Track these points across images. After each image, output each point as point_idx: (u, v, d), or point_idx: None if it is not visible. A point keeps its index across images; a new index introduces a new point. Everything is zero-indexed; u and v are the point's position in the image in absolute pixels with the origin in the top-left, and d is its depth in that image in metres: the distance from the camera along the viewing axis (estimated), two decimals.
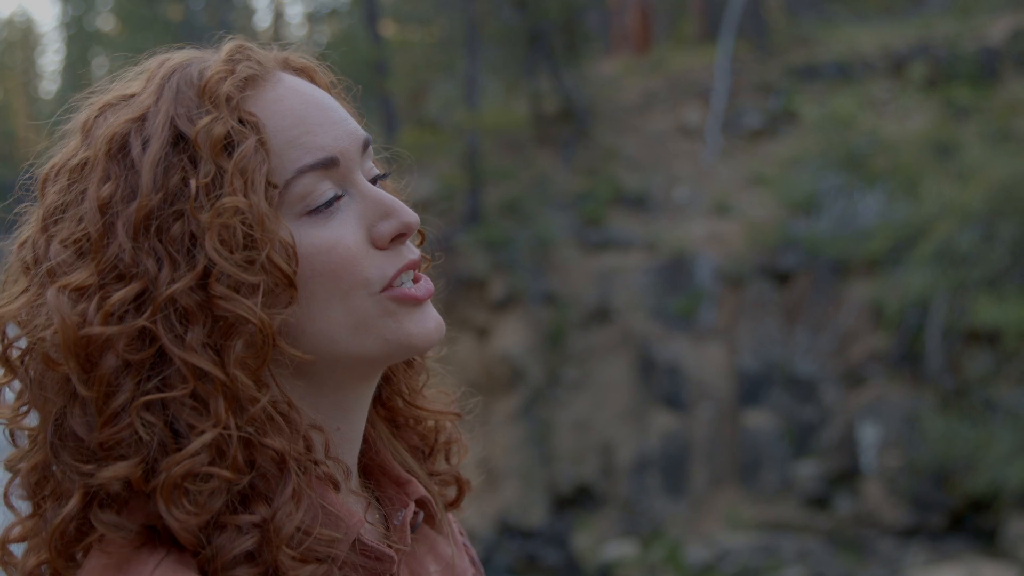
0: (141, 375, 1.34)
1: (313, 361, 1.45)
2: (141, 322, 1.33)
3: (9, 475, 1.51)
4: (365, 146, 1.52)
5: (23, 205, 1.54)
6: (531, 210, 18.79)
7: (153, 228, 1.36)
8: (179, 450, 1.33)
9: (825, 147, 18.37)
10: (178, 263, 1.35)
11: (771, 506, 15.77)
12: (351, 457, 1.57)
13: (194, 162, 1.38)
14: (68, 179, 1.44)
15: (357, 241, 1.45)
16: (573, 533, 16.42)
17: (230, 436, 1.34)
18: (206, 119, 1.39)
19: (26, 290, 1.43)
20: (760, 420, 16.27)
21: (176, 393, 1.33)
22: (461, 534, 1.85)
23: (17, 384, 1.46)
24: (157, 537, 1.36)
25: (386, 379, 1.70)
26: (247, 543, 1.34)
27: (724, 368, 16.79)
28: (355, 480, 1.58)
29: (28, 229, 1.48)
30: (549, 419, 17.12)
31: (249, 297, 1.36)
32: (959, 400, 14.87)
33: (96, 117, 1.48)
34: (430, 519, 1.67)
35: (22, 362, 1.42)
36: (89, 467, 1.34)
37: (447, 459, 1.79)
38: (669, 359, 16.85)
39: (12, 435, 1.48)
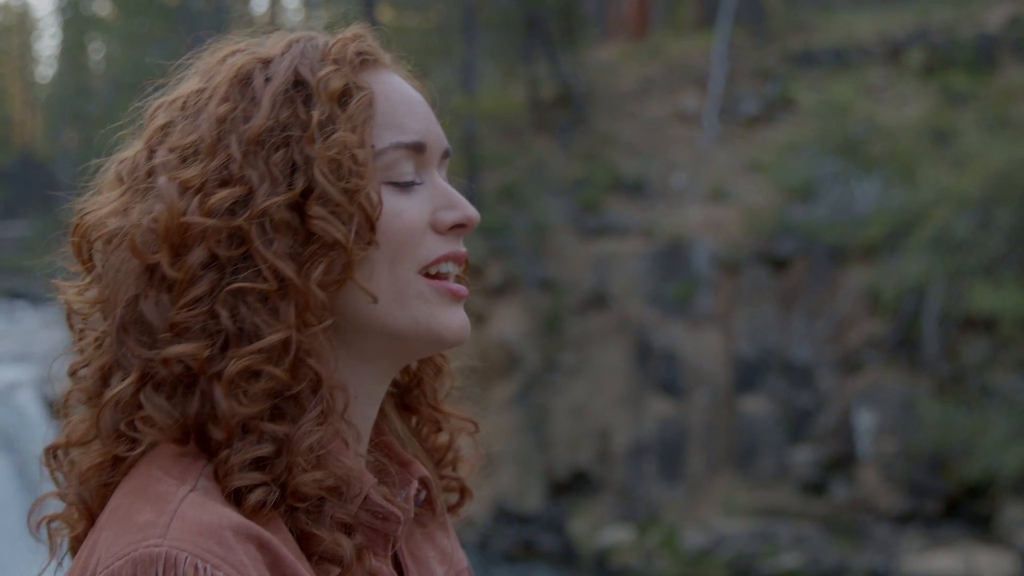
0: (225, 271, 1.45)
1: (376, 300, 1.53)
2: (238, 221, 1.45)
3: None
4: (445, 155, 1.66)
5: (98, 163, 1.64)
6: (528, 196, 18.78)
7: (264, 147, 1.48)
8: (238, 340, 1.43)
9: (822, 133, 18.36)
10: (278, 182, 1.47)
11: (767, 492, 15.80)
12: (365, 422, 1.62)
13: (307, 105, 1.52)
14: (183, 103, 1.57)
15: (422, 216, 1.56)
16: (569, 518, 16.45)
17: (290, 343, 1.44)
18: (328, 69, 1.53)
19: (123, 195, 1.54)
20: (756, 406, 16.30)
21: (258, 286, 1.44)
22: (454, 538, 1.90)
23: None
24: (186, 439, 1.44)
25: (416, 382, 1.80)
26: (264, 450, 1.41)
27: (720, 354, 16.81)
28: (365, 447, 1.63)
29: (131, 149, 1.60)
30: (546, 405, 17.14)
31: (345, 224, 1.47)
32: (955, 386, 14.89)
33: (221, 61, 1.60)
34: (429, 499, 1.73)
35: (103, 258, 1.52)
36: (153, 352, 1.44)
37: (454, 467, 1.87)
38: (666, 345, 16.87)
39: (80, 339, 1.57)
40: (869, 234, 16.23)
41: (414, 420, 1.83)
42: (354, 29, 1.64)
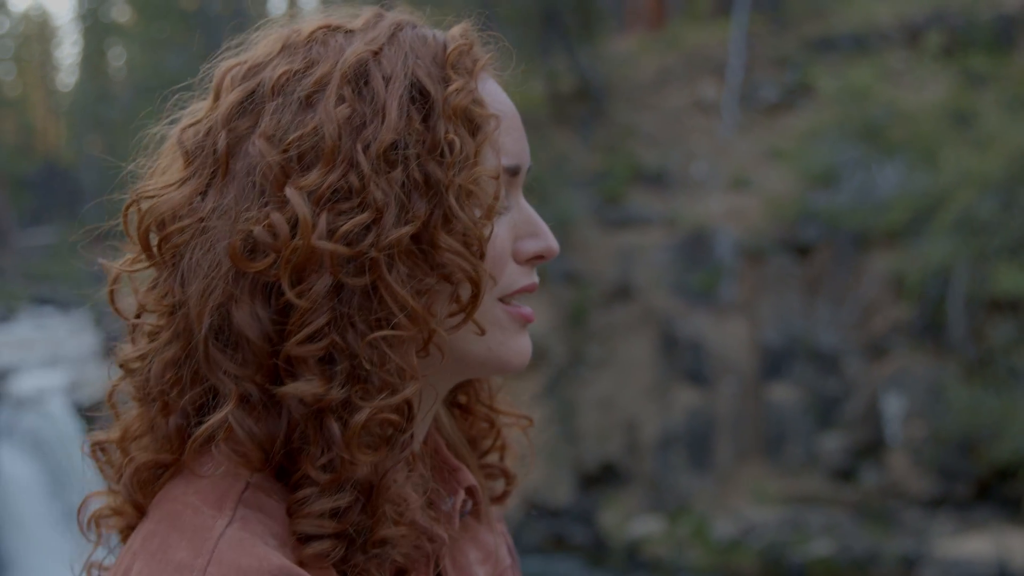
0: (349, 302, 1.33)
1: (479, 334, 1.47)
2: (368, 251, 1.33)
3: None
4: (528, 170, 1.55)
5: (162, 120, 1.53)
6: (550, 189, 18.79)
7: (394, 162, 1.36)
8: (366, 383, 1.33)
9: (842, 119, 18.30)
10: (404, 206, 1.36)
11: (796, 480, 15.79)
12: (418, 437, 1.56)
13: (427, 119, 1.40)
14: (273, 83, 1.41)
15: (506, 246, 1.48)
16: (599, 511, 16.47)
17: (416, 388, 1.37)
18: (457, 83, 1.42)
19: (189, 179, 1.41)
20: (784, 394, 16.28)
21: (392, 332, 1.34)
22: (499, 521, 1.88)
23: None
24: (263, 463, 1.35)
25: (468, 382, 1.75)
26: (346, 499, 1.33)
27: (746, 343, 16.80)
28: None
29: (198, 115, 1.47)
30: (573, 398, 17.16)
31: (476, 257, 1.39)
32: (983, 369, 14.84)
33: (318, 32, 1.47)
34: (475, 508, 1.68)
35: (175, 253, 1.39)
36: (245, 370, 1.34)
37: (502, 457, 1.83)
38: (691, 335, 16.87)
39: (132, 330, 1.47)
40: (892, 219, 16.18)
41: (467, 420, 1.77)
42: (462, 29, 1.55)
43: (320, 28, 1.48)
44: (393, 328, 1.34)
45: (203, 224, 1.37)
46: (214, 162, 1.40)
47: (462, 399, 1.76)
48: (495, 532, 1.79)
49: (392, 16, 1.51)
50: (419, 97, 1.40)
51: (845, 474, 15.51)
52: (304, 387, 1.30)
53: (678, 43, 23.67)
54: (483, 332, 1.45)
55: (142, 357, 1.43)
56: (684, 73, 22.44)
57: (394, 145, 1.36)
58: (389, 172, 1.35)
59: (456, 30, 1.54)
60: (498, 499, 1.82)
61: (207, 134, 1.42)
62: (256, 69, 1.45)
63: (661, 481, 16.33)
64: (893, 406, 15.19)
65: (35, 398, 14.13)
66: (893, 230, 16.21)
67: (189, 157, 1.42)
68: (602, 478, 16.79)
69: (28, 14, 50.72)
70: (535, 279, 1.54)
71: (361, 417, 1.31)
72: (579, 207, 18.58)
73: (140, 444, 1.44)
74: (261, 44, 1.50)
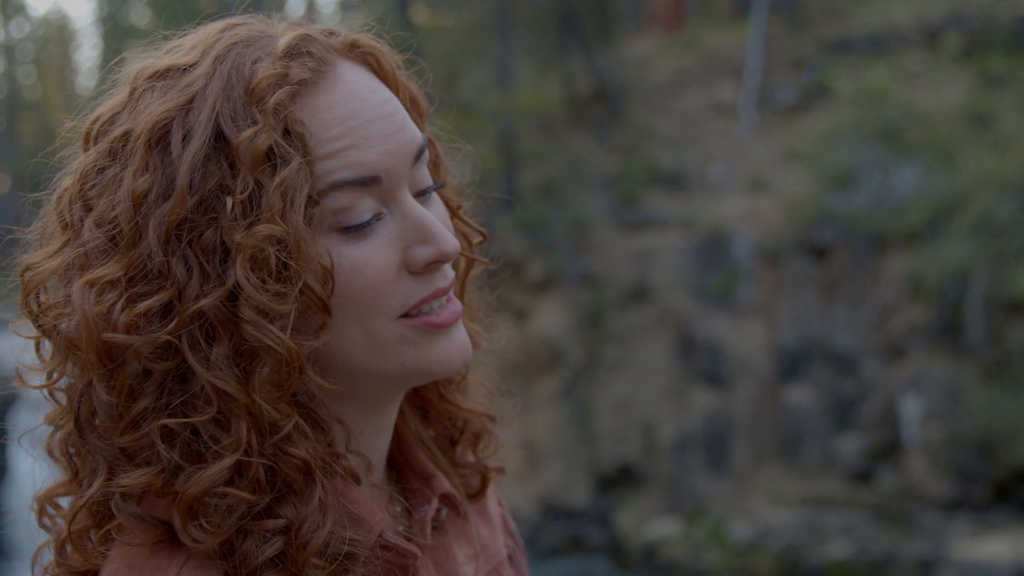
0: (164, 384, 1.30)
1: (340, 391, 1.40)
2: (165, 336, 1.28)
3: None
4: (418, 155, 1.44)
5: (64, 152, 1.50)
6: (567, 192, 18.80)
7: (186, 235, 1.29)
8: (200, 460, 1.30)
9: (860, 121, 18.26)
10: (208, 275, 1.29)
11: (814, 481, 15.76)
12: (376, 453, 1.54)
13: (233, 169, 1.31)
14: (109, 146, 1.37)
15: (388, 265, 1.38)
16: (616, 512, 16.47)
17: (249, 461, 1.30)
18: (250, 131, 1.30)
19: (61, 249, 1.38)
20: (801, 396, 16.26)
21: (198, 418, 1.29)
22: (501, 505, 1.84)
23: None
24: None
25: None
26: (271, 549, 1.31)
27: (764, 344, 16.78)
28: (379, 473, 1.57)
29: (68, 180, 1.42)
30: (590, 400, 17.16)
31: (277, 324, 1.29)
32: (1001, 371, 14.80)
33: (147, 80, 1.40)
34: (455, 511, 1.65)
35: (55, 326, 1.36)
36: (112, 452, 1.32)
37: (474, 451, 1.75)
38: (708, 337, 16.86)
39: (51, 393, 1.43)
40: (910, 220, 16.15)
41: (433, 421, 1.72)
42: (291, 37, 1.40)
43: (151, 75, 1.41)
44: (202, 412, 1.29)
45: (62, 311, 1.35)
46: (76, 234, 1.37)
47: (419, 390, 1.70)
48: (490, 523, 1.77)
49: (226, 39, 1.42)
50: (222, 146, 1.32)
51: (862, 476, 15.48)
52: (134, 479, 1.30)
53: (695, 45, 23.65)
54: (337, 391, 1.40)
55: (62, 416, 1.43)
56: (701, 75, 22.42)
57: (187, 217, 1.29)
58: (184, 242, 1.30)
59: (284, 42, 1.40)
60: (473, 496, 1.74)
61: (71, 204, 1.39)
62: (107, 125, 1.41)
63: (678, 483, 16.32)
64: (911, 408, 15.16)
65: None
66: (911, 232, 16.18)
67: (64, 226, 1.40)
68: (619, 480, 16.79)
69: (48, 17, 50.91)
70: (441, 282, 1.44)
71: (186, 494, 1.28)
72: (596, 209, 18.58)
73: (73, 507, 1.42)
74: (122, 84, 1.46)
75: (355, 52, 1.47)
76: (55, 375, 1.41)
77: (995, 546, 13.71)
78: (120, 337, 1.28)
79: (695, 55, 23.14)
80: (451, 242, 1.42)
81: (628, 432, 16.86)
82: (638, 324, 17.46)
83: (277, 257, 1.29)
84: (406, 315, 1.41)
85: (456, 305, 1.47)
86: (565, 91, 21.72)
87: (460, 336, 1.47)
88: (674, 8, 26.58)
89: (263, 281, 1.29)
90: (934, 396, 15.08)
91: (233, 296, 1.29)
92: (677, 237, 18.02)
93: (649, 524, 16.00)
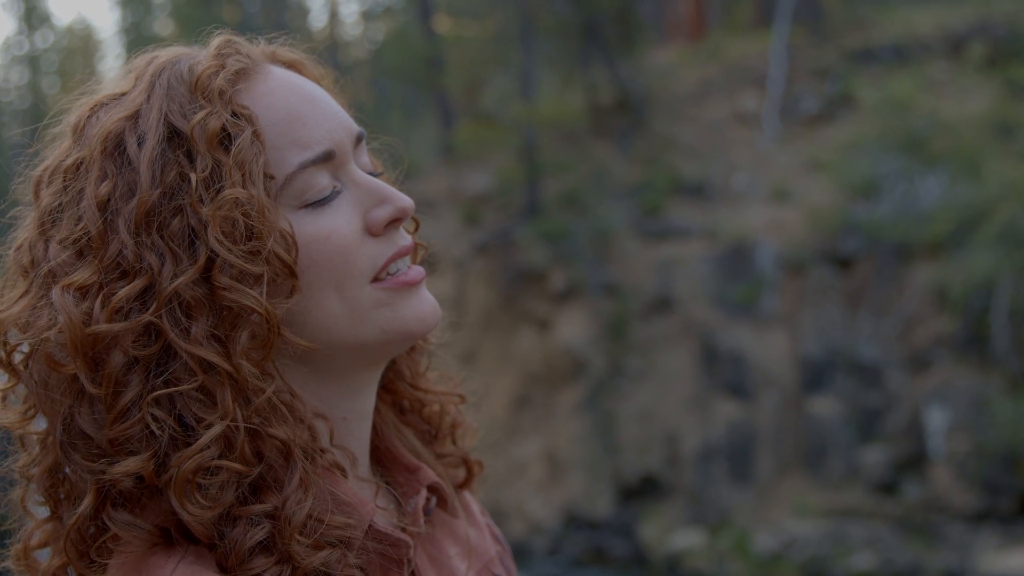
0: (149, 370, 1.35)
1: (315, 349, 1.46)
2: (147, 317, 1.34)
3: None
4: (358, 139, 1.54)
5: (17, 209, 1.54)
6: (590, 201, 18.80)
7: (155, 224, 1.37)
8: (189, 444, 1.34)
9: (884, 130, 18.22)
10: (180, 257, 1.36)
11: (838, 493, 15.70)
12: (359, 444, 1.59)
13: (190, 157, 1.39)
14: (63, 180, 1.44)
15: (352, 230, 1.47)
16: (640, 523, 16.43)
17: (238, 428, 1.36)
18: (200, 114, 1.40)
19: (25, 293, 1.43)
20: (825, 406, 16.20)
21: (184, 387, 1.35)
22: (483, 514, 1.86)
23: (22, 389, 1.46)
24: (171, 537, 1.38)
25: (389, 364, 1.72)
26: (260, 533, 1.35)
27: (787, 355, 16.73)
28: (365, 467, 1.60)
29: (24, 232, 1.48)
30: (613, 410, 17.14)
31: (253, 287, 1.37)
32: None
33: (88, 117, 1.49)
34: (443, 503, 1.69)
35: (26, 366, 1.41)
36: (100, 464, 1.36)
37: (454, 441, 1.80)
38: (732, 347, 16.82)
39: (22, 440, 1.49)
40: (935, 230, 16.09)
41: (400, 403, 1.77)
42: (217, 41, 1.52)
43: (90, 109, 1.50)
44: (188, 384, 1.35)
45: (37, 341, 1.39)
46: (40, 275, 1.42)
47: (388, 383, 1.75)
48: (476, 524, 1.80)
49: (159, 60, 1.52)
50: (176, 139, 1.41)
51: (887, 487, 15.40)
52: (128, 465, 1.34)
53: (718, 54, 23.65)
54: (312, 348, 1.45)
55: (35, 463, 1.46)
56: (724, 85, 22.41)
57: (156, 203, 1.37)
58: (154, 231, 1.37)
59: (211, 44, 1.52)
60: (461, 485, 1.81)
61: (31, 248, 1.45)
62: (57, 171, 1.47)
63: (701, 494, 16.28)
64: (936, 419, 15.08)
65: None
66: (936, 242, 16.11)
67: (26, 272, 1.45)
68: (642, 490, 16.75)
69: (72, 27, 51.21)
70: (402, 241, 1.52)
71: (179, 473, 1.33)
72: (619, 219, 18.58)
73: (55, 547, 1.47)
74: (62, 134, 1.52)
75: (277, 60, 1.58)
76: (30, 413, 1.45)
77: (1021, 559, 13.63)
78: (103, 327, 1.33)
79: (718, 64, 23.14)
80: (405, 199, 1.52)
81: (651, 442, 16.83)
82: (661, 334, 17.44)
83: (245, 222, 1.37)
84: (377, 279, 1.49)
85: (419, 267, 1.55)
86: (588, 101, 21.73)
87: (429, 296, 1.55)
88: (697, 17, 26.57)
89: (235, 243, 1.37)
90: (959, 407, 15.00)
91: (206, 275, 1.37)
92: (700, 247, 17.99)
93: (672, 535, 15.96)
